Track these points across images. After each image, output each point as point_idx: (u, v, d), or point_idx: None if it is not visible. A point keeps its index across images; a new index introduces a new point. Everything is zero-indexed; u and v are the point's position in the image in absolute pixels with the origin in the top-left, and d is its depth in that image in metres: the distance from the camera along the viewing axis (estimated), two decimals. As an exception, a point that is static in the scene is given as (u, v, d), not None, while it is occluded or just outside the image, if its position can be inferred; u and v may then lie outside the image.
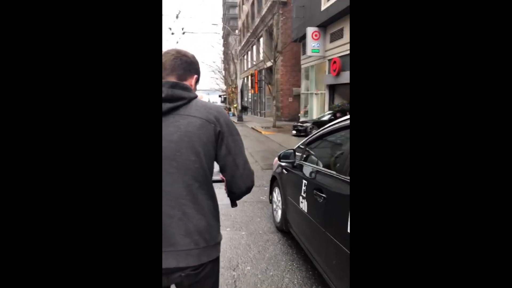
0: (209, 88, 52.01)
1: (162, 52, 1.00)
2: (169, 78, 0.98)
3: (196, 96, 0.97)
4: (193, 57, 1.04)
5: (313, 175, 2.17)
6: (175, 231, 0.90)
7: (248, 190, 1.05)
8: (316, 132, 2.43)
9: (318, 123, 11.58)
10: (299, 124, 11.95)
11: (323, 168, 2.08)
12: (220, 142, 0.97)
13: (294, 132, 11.82)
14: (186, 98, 0.93)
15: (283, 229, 2.90)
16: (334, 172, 1.84)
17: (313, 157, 2.48)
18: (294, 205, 2.46)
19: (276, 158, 3.35)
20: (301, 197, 2.28)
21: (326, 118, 11.82)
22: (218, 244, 1.00)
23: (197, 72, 1.04)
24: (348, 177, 1.65)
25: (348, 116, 1.99)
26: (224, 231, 2.97)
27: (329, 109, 12.65)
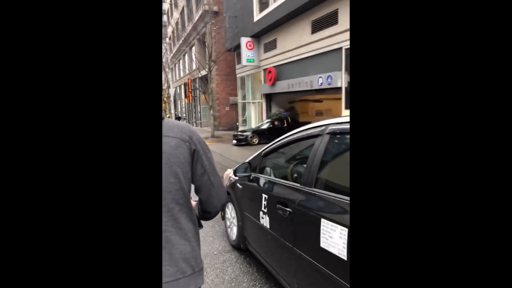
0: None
1: None
2: None
3: (164, 117, 0.92)
4: None
5: (274, 188, 2.07)
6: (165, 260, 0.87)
7: (222, 207, 1.05)
8: (273, 142, 2.34)
9: (258, 132, 11.76)
10: (239, 133, 11.93)
11: (285, 181, 2.00)
12: (195, 161, 0.94)
13: (234, 141, 11.76)
14: None
15: (240, 247, 2.74)
16: (298, 185, 1.77)
17: (271, 169, 2.39)
18: (253, 221, 2.33)
19: (227, 172, 3.18)
20: (261, 212, 2.16)
21: (265, 126, 12.04)
22: (202, 269, 0.98)
23: None
24: (314, 190, 1.60)
25: (306, 127, 1.95)
26: (175, 257, 2.67)
27: (267, 118, 12.94)
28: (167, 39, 31.61)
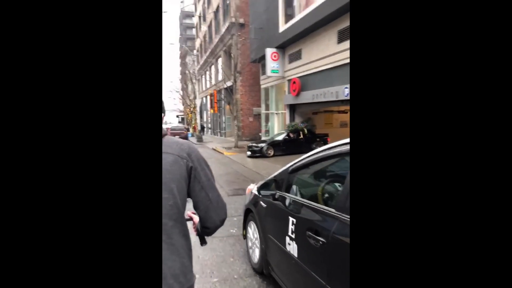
0: (166, 108, 50.50)
1: None
2: None
3: (166, 134, 0.98)
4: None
5: (303, 211, 1.82)
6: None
7: (222, 222, 1.06)
8: (302, 158, 2.10)
9: (273, 144, 11.41)
10: (253, 144, 11.54)
11: (316, 204, 1.74)
12: (193, 178, 0.97)
13: (249, 153, 11.44)
14: None
15: (263, 271, 2.48)
16: (333, 210, 1.51)
17: (299, 187, 2.14)
18: (278, 246, 2.07)
19: (249, 187, 2.96)
20: (288, 238, 1.91)
21: (280, 138, 11.71)
22: (193, 285, 0.98)
23: (163, 111, 1.07)
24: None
25: (339, 142, 1.70)
26: (192, 279, 2.46)
27: (285, 129, 12.66)
28: (195, 51, 32.50)
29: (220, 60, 21.78)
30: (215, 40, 22.24)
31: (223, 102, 21.10)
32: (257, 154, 11.09)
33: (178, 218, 0.93)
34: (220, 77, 20.80)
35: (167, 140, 0.95)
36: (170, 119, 49.03)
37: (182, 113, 42.20)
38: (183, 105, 37.85)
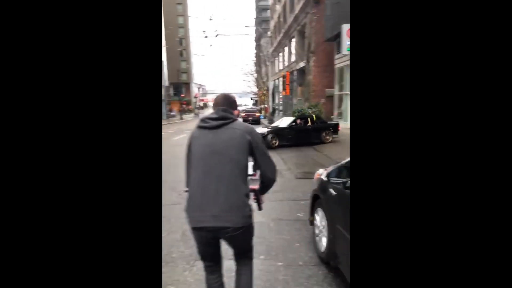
0: (241, 91, 52.40)
1: (217, 95, 1.67)
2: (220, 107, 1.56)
3: (237, 119, 1.57)
4: (234, 97, 1.69)
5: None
6: (221, 200, 1.39)
7: (273, 181, 1.61)
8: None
9: (277, 131, 9.65)
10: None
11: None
12: (254, 147, 1.51)
13: None
14: (231, 118, 1.53)
15: (329, 262, 2.35)
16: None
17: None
18: (348, 240, 1.91)
19: (318, 172, 2.81)
20: (359, 231, 1.73)
21: (285, 125, 10.09)
22: (250, 216, 1.48)
23: (237, 107, 1.66)
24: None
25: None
26: (258, 260, 2.48)
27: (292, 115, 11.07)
28: (269, 33, 32.35)
29: (293, 41, 21.26)
30: (289, 20, 21.69)
31: (294, 84, 20.71)
32: None
33: (241, 171, 1.45)
34: (293, 58, 20.34)
35: (237, 122, 1.53)
36: (245, 101, 50.61)
37: (256, 96, 43.07)
38: (257, 87, 38.54)
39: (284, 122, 10.50)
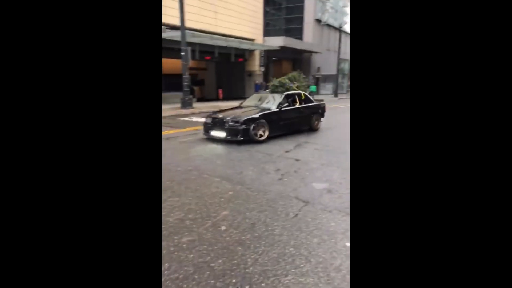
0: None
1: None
2: None
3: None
4: None
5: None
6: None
7: None
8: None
9: (266, 117, 5.95)
10: (219, 116, 6.01)
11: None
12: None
13: (207, 134, 6.21)
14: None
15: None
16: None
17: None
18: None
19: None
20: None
21: (272, 106, 6.44)
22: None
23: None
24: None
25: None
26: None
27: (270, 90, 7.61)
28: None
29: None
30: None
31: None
32: (234, 138, 5.63)
33: None
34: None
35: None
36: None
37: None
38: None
39: (267, 102, 6.74)
